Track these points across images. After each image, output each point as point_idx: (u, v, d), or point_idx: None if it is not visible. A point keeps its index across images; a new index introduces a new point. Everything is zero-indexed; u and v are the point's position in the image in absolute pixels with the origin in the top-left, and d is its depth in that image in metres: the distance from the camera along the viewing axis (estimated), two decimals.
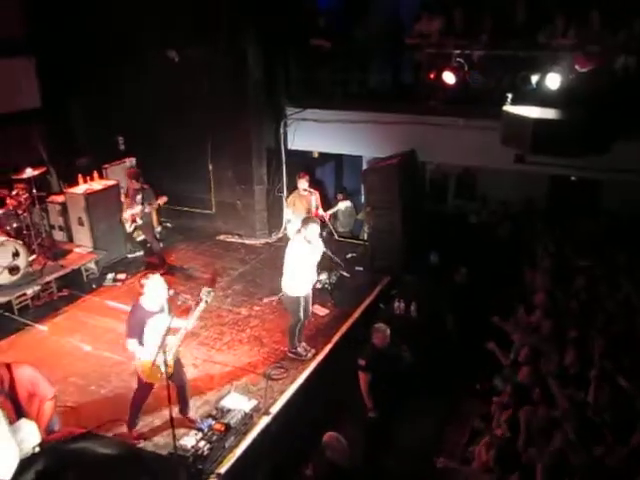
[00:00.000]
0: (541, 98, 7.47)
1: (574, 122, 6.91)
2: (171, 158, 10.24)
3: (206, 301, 5.20)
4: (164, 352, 5.00)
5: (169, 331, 5.07)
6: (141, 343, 5.23)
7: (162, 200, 8.60)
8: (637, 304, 6.37)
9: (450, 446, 5.94)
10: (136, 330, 5.23)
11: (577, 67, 7.74)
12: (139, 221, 8.64)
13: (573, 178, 9.26)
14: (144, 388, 5.51)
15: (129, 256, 9.45)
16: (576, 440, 4.47)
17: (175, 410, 5.36)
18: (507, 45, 8.16)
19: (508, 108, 7.37)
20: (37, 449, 3.82)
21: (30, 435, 4.31)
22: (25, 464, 2.07)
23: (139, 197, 8.55)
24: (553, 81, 7.49)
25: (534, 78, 7.67)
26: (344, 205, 8.47)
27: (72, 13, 9.89)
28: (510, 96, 7.57)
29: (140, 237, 9.35)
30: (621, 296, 6.60)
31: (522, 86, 7.72)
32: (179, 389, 5.57)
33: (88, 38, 9.96)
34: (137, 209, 8.55)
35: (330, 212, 8.29)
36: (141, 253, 9.39)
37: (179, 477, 2.31)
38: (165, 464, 2.69)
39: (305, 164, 10.39)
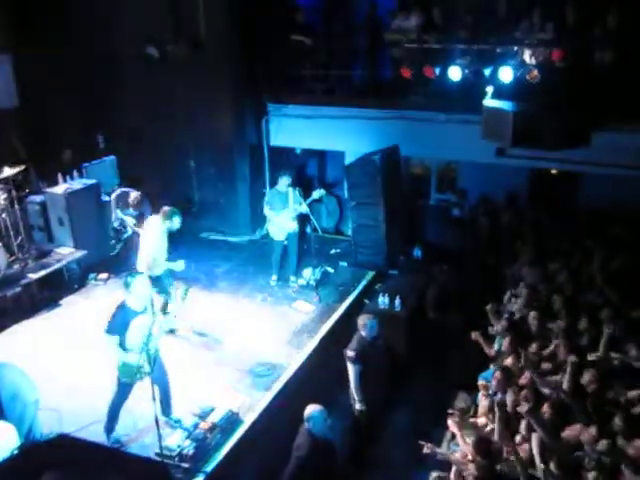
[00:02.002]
0: (521, 92, 7.53)
1: (553, 115, 6.99)
2: (152, 156, 10.15)
3: (183, 298, 5.18)
4: (146, 351, 4.98)
5: (152, 330, 5.05)
6: (121, 342, 5.17)
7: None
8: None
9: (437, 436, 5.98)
10: (118, 329, 5.17)
11: (555, 61, 7.82)
12: (129, 230, 8.60)
13: (554, 171, 9.35)
14: (123, 390, 5.42)
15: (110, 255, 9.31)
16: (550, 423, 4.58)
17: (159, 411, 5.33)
18: (487, 40, 8.20)
19: (488, 102, 7.42)
20: (15, 452, 3.80)
21: (9, 438, 4.27)
22: (1, 467, 2.04)
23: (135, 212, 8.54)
24: (532, 75, 7.56)
25: (513, 72, 7.72)
26: (318, 193, 8.47)
27: (51, 11, 9.75)
28: (490, 90, 7.63)
29: (124, 235, 9.28)
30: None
31: (501, 80, 7.78)
32: (161, 390, 5.48)
33: (67, 36, 9.84)
34: (131, 220, 8.48)
35: (307, 202, 8.30)
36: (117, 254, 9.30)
37: (159, 478, 2.29)
38: (144, 466, 2.67)
39: (288, 160, 10.37)
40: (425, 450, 5.09)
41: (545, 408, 4.83)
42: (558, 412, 4.77)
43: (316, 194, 8.43)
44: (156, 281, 6.77)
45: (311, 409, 4.77)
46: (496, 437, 4.87)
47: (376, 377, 6.11)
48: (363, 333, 6.02)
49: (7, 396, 4.92)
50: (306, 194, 8.36)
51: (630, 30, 7.41)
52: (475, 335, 6.49)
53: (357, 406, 6.03)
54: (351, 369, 5.98)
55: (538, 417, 4.66)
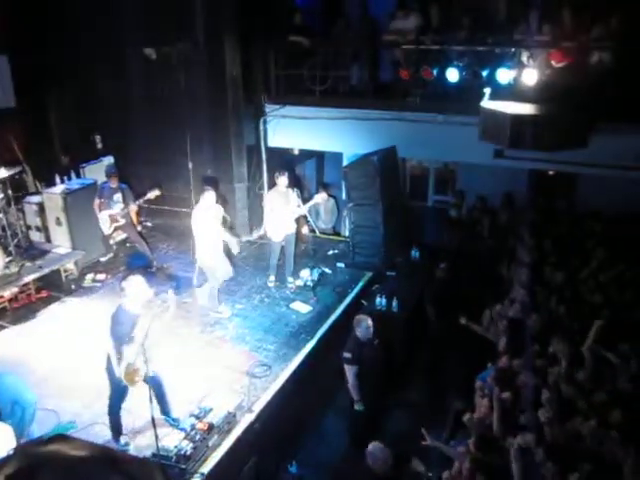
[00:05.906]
0: (519, 93, 7.54)
1: (551, 117, 6.99)
2: (150, 157, 10.15)
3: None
4: (143, 354, 4.96)
5: (148, 332, 5.03)
6: (121, 346, 5.14)
7: (154, 193, 8.49)
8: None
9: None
10: (117, 334, 5.13)
11: (553, 62, 7.83)
12: (121, 220, 8.52)
13: (551, 172, 9.36)
14: (120, 390, 5.37)
15: (102, 260, 9.21)
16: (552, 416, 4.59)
17: (157, 411, 5.32)
18: (484, 41, 8.22)
19: (486, 104, 7.42)
20: (11, 452, 3.79)
21: (5, 438, 4.26)
22: None
23: (117, 196, 8.45)
24: (530, 76, 7.57)
25: (511, 73, 7.73)
26: (321, 197, 8.47)
27: (48, 11, 9.73)
28: (488, 92, 7.63)
29: (120, 237, 9.26)
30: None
31: (499, 81, 7.79)
32: (155, 389, 5.47)
33: (65, 36, 9.82)
34: (117, 208, 8.44)
35: (308, 205, 8.29)
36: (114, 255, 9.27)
37: (155, 479, 2.29)
38: (140, 466, 2.66)
39: (285, 161, 10.37)
40: (424, 443, 5.09)
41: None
42: (559, 408, 4.77)
43: (318, 198, 8.43)
44: None
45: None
46: (494, 429, 4.88)
47: (372, 377, 6.12)
48: (358, 333, 6.04)
49: (6, 402, 4.91)
50: (304, 195, 8.36)
51: (630, 31, 7.41)
52: (464, 320, 6.55)
53: (355, 406, 6.05)
54: (348, 370, 6.00)
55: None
